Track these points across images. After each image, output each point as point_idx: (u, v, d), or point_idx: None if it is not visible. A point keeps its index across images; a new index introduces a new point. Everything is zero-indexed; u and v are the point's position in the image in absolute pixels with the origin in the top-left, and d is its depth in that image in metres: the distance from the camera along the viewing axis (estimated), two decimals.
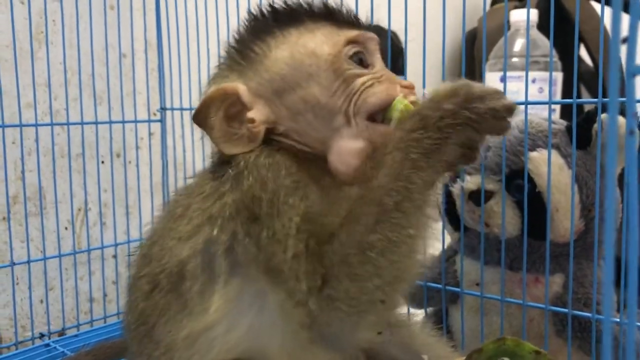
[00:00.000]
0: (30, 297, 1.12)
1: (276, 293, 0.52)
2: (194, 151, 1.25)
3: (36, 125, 1.10)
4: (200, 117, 0.59)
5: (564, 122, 0.87)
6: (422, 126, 0.51)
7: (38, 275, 1.14)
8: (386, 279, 0.50)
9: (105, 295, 1.25)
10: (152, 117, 1.30)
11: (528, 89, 0.80)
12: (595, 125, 0.81)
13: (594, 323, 0.80)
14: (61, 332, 1.16)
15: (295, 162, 0.56)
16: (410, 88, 0.58)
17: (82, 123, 1.17)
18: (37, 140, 1.12)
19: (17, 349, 1.10)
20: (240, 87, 0.58)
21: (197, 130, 1.18)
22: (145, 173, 1.29)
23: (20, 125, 1.08)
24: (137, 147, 1.29)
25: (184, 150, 1.29)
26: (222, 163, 0.59)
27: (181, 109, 1.25)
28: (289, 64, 0.57)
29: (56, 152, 1.15)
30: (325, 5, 0.60)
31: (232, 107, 0.58)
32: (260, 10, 0.62)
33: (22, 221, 1.12)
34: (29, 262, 1.11)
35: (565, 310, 0.82)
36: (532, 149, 0.84)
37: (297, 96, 0.57)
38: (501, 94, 0.51)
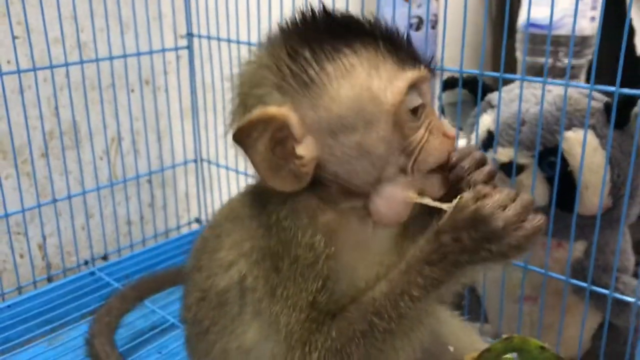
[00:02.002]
0: (72, 226, 1.18)
1: (270, 345, 0.57)
2: (222, 71, 1.25)
3: (66, 65, 1.10)
4: (242, 138, 0.55)
5: (603, 99, 0.85)
6: (438, 258, 0.51)
7: (78, 205, 1.19)
8: None
9: (142, 217, 1.31)
10: (179, 42, 1.28)
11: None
12: (636, 108, 0.80)
13: (609, 300, 0.84)
14: (104, 257, 1.24)
15: (329, 215, 0.56)
16: (452, 139, 0.58)
17: (110, 58, 1.15)
18: (67, 76, 1.12)
19: (65, 276, 1.18)
20: (292, 117, 0.54)
21: (225, 51, 1.18)
22: (174, 98, 1.30)
23: (51, 67, 1.08)
24: (165, 73, 1.28)
25: (212, 73, 1.28)
26: (265, 189, 0.60)
27: (208, 37, 1.23)
28: (349, 107, 0.54)
29: (87, 86, 1.16)
30: (390, 35, 0.56)
31: (278, 133, 0.54)
32: (314, 15, 0.56)
33: (59, 155, 1.15)
34: (69, 197, 1.16)
35: (585, 284, 0.86)
36: (568, 128, 0.83)
37: (353, 140, 0.54)
38: (524, 216, 0.50)
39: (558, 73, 1.32)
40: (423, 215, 0.60)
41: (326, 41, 0.55)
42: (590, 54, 1.33)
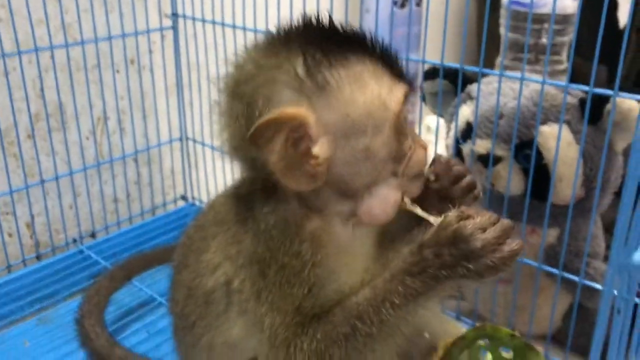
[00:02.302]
0: (60, 205, 1.20)
1: (254, 341, 0.60)
2: (207, 52, 1.25)
3: (51, 47, 1.10)
4: (259, 137, 0.55)
5: (578, 94, 0.88)
6: (419, 271, 0.54)
7: (65, 185, 1.21)
8: None
9: (128, 195, 1.33)
10: (164, 22, 1.28)
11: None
12: (608, 105, 0.83)
13: (579, 287, 0.88)
14: (92, 235, 1.26)
15: (315, 222, 0.59)
16: (426, 150, 0.61)
17: (95, 41, 1.16)
18: (52, 58, 1.12)
19: (53, 255, 1.20)
20: (311, 117, 0.55)
21: (210, 33, 1.18)
22: (159, 77, 1.30)
23: (36, 50, 1.08)
24: (150, 52, 1.28)
25: (197, 53, 1.29)
26: (251, 194, 0.62)
27: (193, 19, 1.23)
28: (363, 111, 0.56)
29: (72, 67, 1.16)
30: (386, 51, 0.59)
31: (293, 132, 0.55)
32: (319, 22, 0.58)
33: (46, 137, 1.17)
34: (57, 178, 1.17)
35: (556, 270, 0.90)
36: (544, 123, 0.86)
37: (362, 143, 0.56)
38: (503, 239, 0.53)
39: (541, 50, 1.34)
40: (401, 218, 0.63)
41: (335, 48, 0.57)
42: (572, 31, 1.34)
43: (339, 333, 0.56)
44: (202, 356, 0.67)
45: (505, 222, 0.54)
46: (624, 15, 1.48)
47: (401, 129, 0.58)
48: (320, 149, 0.56)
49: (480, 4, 1.85)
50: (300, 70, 0.55)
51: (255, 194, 0.62)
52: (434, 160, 0.65)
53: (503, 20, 1.39)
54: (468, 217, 0.54)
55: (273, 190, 0.60)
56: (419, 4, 1.59)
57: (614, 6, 1.49)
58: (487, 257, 0.52)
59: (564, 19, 1.35)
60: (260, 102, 0.56)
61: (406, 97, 0.58)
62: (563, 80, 0.86)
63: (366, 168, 0.58)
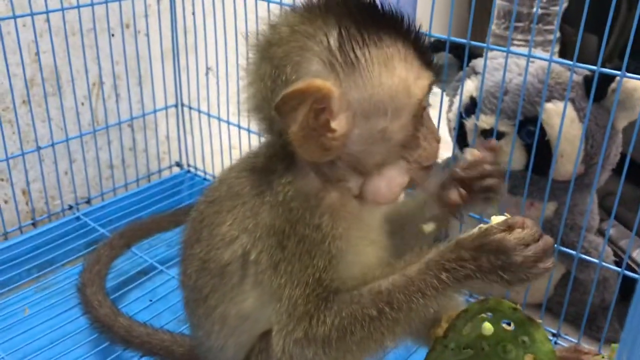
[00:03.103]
0: (56, 171, 1.19)
1: (268, 312, 0.61)
2: (205, 16, 1.23)
3: (47, 11, 1.08)
4: (285, 107, 0.55)
5: (583, 72, 0.89)
6: (454, 268, 0.55)
7: (61, 151, 1.19)
8: (356, 354, 0.59)
9: (124, 161, 1.32)
10: None
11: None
12: (613, 84, 0.84)
13: (576, 260, 0.91)
14: (88, 201, 1.26)
15: (333, 195, 0.60)
16: (438, 142, 0.62)
17: (92, 5, 1.13)
18: (48, 21, 1.10)
19: (50, 221, 1.20)
20: (335, 92, 0.55)
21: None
22: (155, 41, 1.28)
23: (32, 14, 1.05)
24: (146, 16, 1.26)
25: (194, 15, 1.27)
26: (266, 166, 0.63)
27: None
28: (387, 93, 0.57)
29: (67, 31, 1.14)
30: (420, 37, 0.59)
31: (317, 104, 0.55)
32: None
33: (41, 102, 1.15)
34: (52, 145, 1.16)
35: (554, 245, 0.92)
36: (548, 100, 0.87)
37: (381, 124, 0.57)
38: (541, 258, 0.53)
39: (532, 20, 1.34)
40: (407, 204, 0.66)
41: (371, 26, 0.57)
42: (565, 1, 1.35)
43: (365, 314, 0.57)
44: (215, 328, 0.68)
45: (547, 240, 0.55)
46: None
47: (420, 117, 0.59)
48: (339, 124, 0.56)
49: None
50: (333, 43, 0.56)
51: (272, 166, 0.62)
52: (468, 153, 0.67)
53: None
54: (514, 228, 0.55)
55: (291, 162, 0.61)
56: None
57: None
58: (522, 272, 0.54)
59: None
60: (289, 68, 0.57)
61: (431, 86, 0.59)
62: (555, 50, 0.87)
63: (380, 148, 0.59)
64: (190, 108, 1.35)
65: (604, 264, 0.88)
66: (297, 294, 0.58)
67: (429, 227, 0.69)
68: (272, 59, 0.58)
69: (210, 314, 0.68)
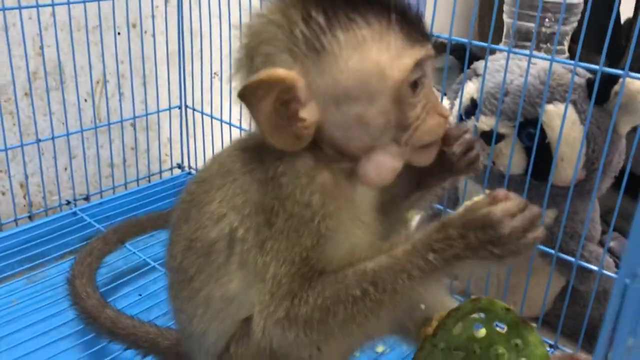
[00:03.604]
0: (55, 166, 1.19)
1: (252, 295, 0.59)
2: (211, 19, 1.24)
3: (53, 4, 1.08)
4: (247, 96, 0.56)
5: (585, 74, 0.87)
6: (442, 248, 0.53)
7: (62, 146, 1.19)
8: (339, 338, 0.57)
9: (124, 160, 1.32)
10: None
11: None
12: (616, 87, 0.82)
13: (575, 267, 0.88)
14: (86, 198, 1.25)
15: (325, 175, 0.58)
16: (446, 118, 0.60)
17: (98, 0, 1.14)
18: (53, 15, 1.11)
19: (46, 215, 1.19)
20: (300, 81, 0.55)
21: (215, 0, 1.17)
22: (161, 42, 1.29)
23: (37, 6, 1.06)
24: (153, 17, 1.27)
25: (200, 18, 1.27)
26: (259, 146, 0.61)
27: None
28: (356, 80, 0.55)
29: (73, 26, 1.14)
30: (403, 8, 0.57)
31: (283, 94, 0.56)
32: None
33: (43, 96, 1.15)
34: (53, 138, 1.16)
35: (552, 250, 0.90)
36: (550, 102, 0.85)
37: (354, 111, 0.56)
38: (530, 227, 0.52)
39: (542, 39, 1.33)
40: (401, 182, 0.63)
41: (341, 9, 0.56)
42: (575, 21, 1.34)
43: (349, 294, 0.55)
44: (198, 311, 0.66)
45: (534, 209, 0.53)
46: (623, 11, 1.49)
47: (403, 98, 0.57)
48: (308, 112, 0.56)
49: None
50: (298, 31, 0.55)
51: (264, 144, 0.60)
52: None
53: (507, 7, 1.39)
54: (498, 202, 0.53)
55: None
56: None
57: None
58: (512, 243, 0.52)
59: (567, 7, 1.34)
60: (259, 59, 0.57)
61: (419, 63, 0.56)
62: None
63: (360, 134, 0.58)
64: (194, 110, 1.34)
65: (604, 271, 0.85)
66: (282, 273, 0.57)
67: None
68: (247, 49, 0.59)
69: (195, 296, 0.66)
